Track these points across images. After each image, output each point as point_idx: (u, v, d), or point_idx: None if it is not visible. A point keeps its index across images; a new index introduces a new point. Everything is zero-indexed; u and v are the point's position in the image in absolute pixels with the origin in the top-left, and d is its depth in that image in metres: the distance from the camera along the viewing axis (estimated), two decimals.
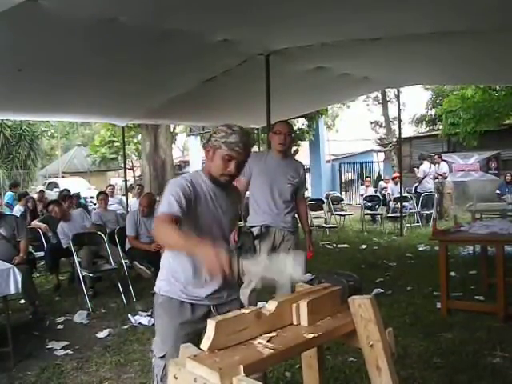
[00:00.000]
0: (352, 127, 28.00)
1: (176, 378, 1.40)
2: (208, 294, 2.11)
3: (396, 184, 11.54)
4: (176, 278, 2.10)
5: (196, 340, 1.77)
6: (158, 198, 7.90)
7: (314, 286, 1.86)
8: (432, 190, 11.07)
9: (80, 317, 4.77)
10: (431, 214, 10.47)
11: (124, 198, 10.30)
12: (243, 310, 1.55)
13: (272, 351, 1.43)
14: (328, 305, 1.74)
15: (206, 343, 1.42)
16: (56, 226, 6.39)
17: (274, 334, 1.56)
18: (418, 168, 11.90)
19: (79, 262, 5.43)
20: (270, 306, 1.61)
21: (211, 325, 1.43)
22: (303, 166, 3.88)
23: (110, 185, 11.91)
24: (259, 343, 1.48)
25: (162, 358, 2.07)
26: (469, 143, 12.75)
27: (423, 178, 11.34)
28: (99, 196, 7.41)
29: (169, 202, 1.95)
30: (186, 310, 2.10)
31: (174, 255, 2.13)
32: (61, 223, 6.07)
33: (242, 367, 1.32)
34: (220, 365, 1.33)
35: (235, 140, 2.00)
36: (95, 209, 8.15)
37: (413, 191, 11.62)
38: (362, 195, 12.85)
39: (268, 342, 1.49)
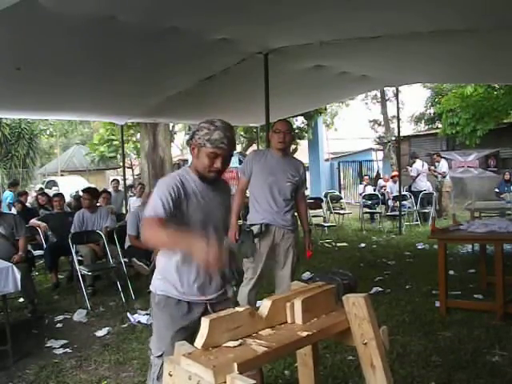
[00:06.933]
0: (351, 126, 27.94)
1: (171, 376, 1.41)
2: (199, 286, 2.11)
3: (395, 182, 11.51)
4: (170, 277, 2.11)
5: (193, 338, 1.77)
6: None
7: (308, 285, 1.86)
8: (426, 189, 11.04)
9: (79, 315, 4.77)
10: (430, 212, 10.47)
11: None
12: (237, 308, 1.55)
13: (266, 349, 1.44)
14: (322, 303, 1.74)
15: (199, 341, 1.43)
16: (55, 225, 6.39)
17: (268, 331, 1.56)
18: (410, 166, 11.81)
19: (78, 261, 5.43)
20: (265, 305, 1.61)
21: (205, 323, 1.43)
22: (303, 164, 3.88)
23: (114, 179, 11.73)
24: (253, 341, 1.49)
25: (159, 357, 2.08)
26: (470, 142, 12.72)
27: (416, 177, 11.32)
28: (102, 194, 7.48)
29: (155, 205, 1.97)
30: (182, 309, 2.11)
31: (166, 254, 2.13)
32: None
33: (235, 365, 1.32)
34: (214, 362, 1.33)
35: (219, 137, 1.99)
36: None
37: (407, 190, 11.58)
38: (360, 194, 12.84)
39: (262, 339, 1.50)
